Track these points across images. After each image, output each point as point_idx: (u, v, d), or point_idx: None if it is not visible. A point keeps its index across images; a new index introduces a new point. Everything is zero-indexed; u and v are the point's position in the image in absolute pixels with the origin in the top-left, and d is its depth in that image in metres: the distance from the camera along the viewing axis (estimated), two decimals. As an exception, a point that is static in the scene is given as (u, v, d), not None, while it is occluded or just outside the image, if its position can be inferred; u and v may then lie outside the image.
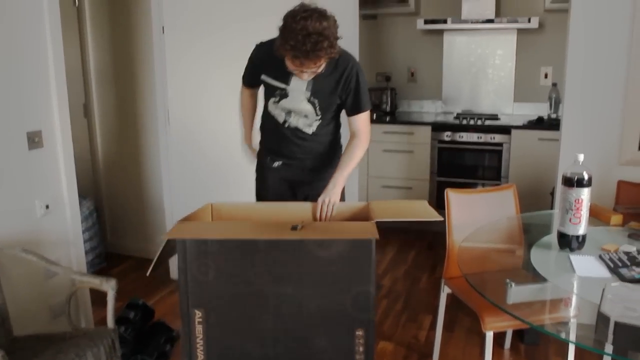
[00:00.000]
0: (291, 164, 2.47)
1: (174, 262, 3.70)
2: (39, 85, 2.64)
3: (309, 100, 2.30)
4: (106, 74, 4.12)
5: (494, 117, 4.75)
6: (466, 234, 2.28)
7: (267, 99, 2.39)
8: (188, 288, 1.81)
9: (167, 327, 2.88)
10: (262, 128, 2.54)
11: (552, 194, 3.56)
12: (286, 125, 2.38)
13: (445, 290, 2.59)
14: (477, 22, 4.63)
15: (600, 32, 2.89)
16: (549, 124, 4.36)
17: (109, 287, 2.21)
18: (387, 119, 4.91)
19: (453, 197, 2.58)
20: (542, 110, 4.70)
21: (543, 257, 2.03)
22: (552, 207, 3.45)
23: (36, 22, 2.60)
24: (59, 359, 2.00)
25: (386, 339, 3.04)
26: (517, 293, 1.77)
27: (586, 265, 1.90)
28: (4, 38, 2.46)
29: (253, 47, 2.37)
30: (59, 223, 2.80)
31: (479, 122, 4.55)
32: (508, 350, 2.90)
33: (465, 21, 4.67)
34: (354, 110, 2.34)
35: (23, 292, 2.56)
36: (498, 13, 4.72)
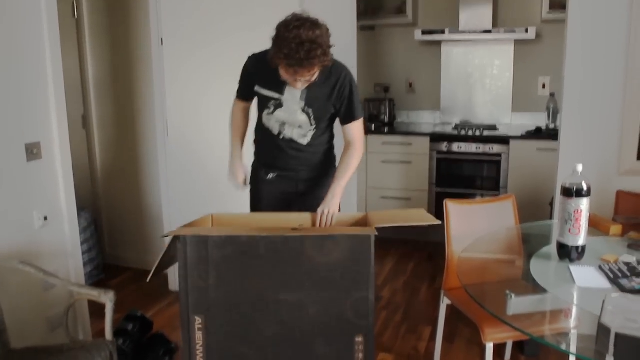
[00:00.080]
0: (286, 176, 2.48)
1: (172, 273, 3.71)
2: (38, 96, 2.64)
3: (303, 110, 2.30)
4: (105, 86, 4.13)
5: (493, 127, 4.76)
6: (465, 244, 2.28)
7: (260, 111, 2.39)
8: (188, 294, 1.80)
9: (166, 339, 2.86)
10: (256, 141, 2.54)
11: (551, 204, 3.56)
12: (281, 136, 2.38)
13: (444, 302, 2.58)
14: (474, 32, 4.65)
15: (598, 42, 2.90)
16: (548, 134, 4.36)
17: (107, 299, 2.20)
18: (386, 129, 4.92)
19: (452, 207, 2.58)
20: (540, 120, 4.71)
21: (543, 268, 2.02)
22: (551, 218, 3.45)
23: (35, 33, 2.61)
24: (57, 372, 1.98)
25: (386, 350, 3.02)
26: (517, 304, 1.76)
27: (586, 276, 1.89)
28: (2, 49, 2.46)
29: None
30: (57, 234, 2.79)
31: (478, 133, 4.56)
32: (508, 361, 2.89)
33: (463, 32, 4.69)
34: (348, 119, 2.36)
35: (21, 304, 2.55)
36: (495, 24, 4.75)
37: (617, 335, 1.35)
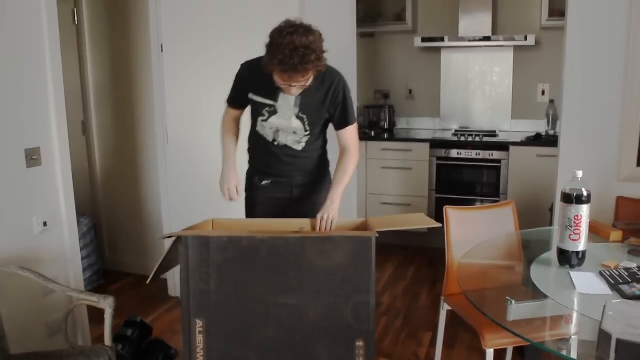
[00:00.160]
0: (280, 182, 2.48)
1: (172, 279, 3.70)
2: (38, 102, 2.65)
3: (297, 116, 2.31)
4: (105, 92, 4.14)
5: (492, 134, 4.76)
6: (465, 250, 2.27)
7: (254, 119, 2.40)
8: (190, 297, 1.80)
9: (166, 345, 2.86)
10: (250, 149, 2.55)
11: (551, 210, 3.56)
12: (275, 143, 2.39)
13: (445, 307, 2.58)
14: (474, 39, 4.66)
15: (597, 49, 2.91)
16: (547, 141, 4.37)
17: (107, 304, 2.19)
18: (386, 136, 4.93)
19: (452, 214, 2.58)
20: (539, 126, 4.72)
21: (543, 274, 2.02)
22: (551, 224, 3.44)
23: (36, 40, 2.62)
24: (56, 378, 1.98)
25: (386, 356, 3.02)
26: (517, 310, 1.76)
27: (586, 281, 1.89)
28: (3, 56, 2.47)
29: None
30: (56, 240, 2.79)
31: (477, 139, 4.56)
32: (508, 368, 2.88)
33: (463, 39, 4.71)
34: (342, 124, 2.37)
35: (20, 309, 2.55)
36: (495, 31, 4.76)
37: (618, 341, 1.35)
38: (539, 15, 4.59)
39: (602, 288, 1.83)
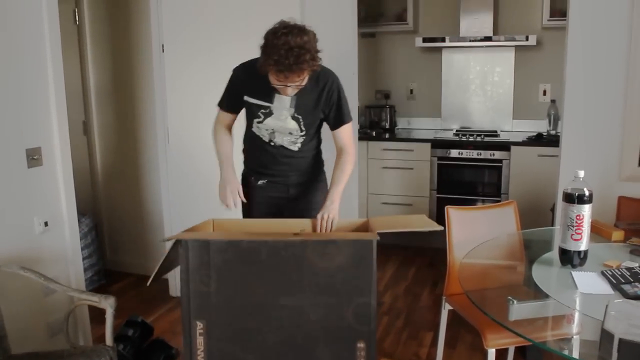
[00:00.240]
0: (276, 182, 2.49)
1: (173, 279, 3.70)
2: (39, 102, 2.65)
3: (293, 117, 2.32)
4: (106, 92, 4.14)
5: (494, 133, 4.76)
6: (467, 250, 2.27)
7: (250, 121, 2.40)
8: (190, 300, 1.80)
9: (167, 345, 2.86)
10: (245, 150, 2.55)
11: (553, 210, 3.55)
12: (272, 144, 2.40)
13: (446, 307, 2.58)
14: (475, 39, 4.66)
15: (598, 49, 2.91)
16: (548, 141, 4.37)
17: (108, 304, 2.19)
18: (387, 136, 4.92)
19: (453, 214, 2.58)
20: (541, 126, 4.72)
21: (545, 274, 2.02)
22: (552, 224, 3.44)
23: (37, 39, 2.62)
24: (57, 378, 1.97)
25: (387, 356, 3.01)
26: (519, 310, 1.75)
27: (588, 281, 1.88)
28: (4, 55, 2.47)
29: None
30: (57, 240, 2.79)
31: (479, 139, 4.56)
32: (510, 368, 2.88)
33: (464, 39, 4.70)
34: (337, 123, 2.38)
35: (21, 309, 2.54)
36: (496, 31, 4.75)
37: (621, 341, 1.35)
38: (540, 16, 4.59)
39: (604, 288, 1.83)
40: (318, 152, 2.54)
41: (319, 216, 2.20)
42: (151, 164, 4.01)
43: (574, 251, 1.97)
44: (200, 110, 3.46)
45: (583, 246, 1.96)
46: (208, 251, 1.80)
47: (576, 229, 1.94)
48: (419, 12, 5.05)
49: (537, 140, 4.43)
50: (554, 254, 2.11)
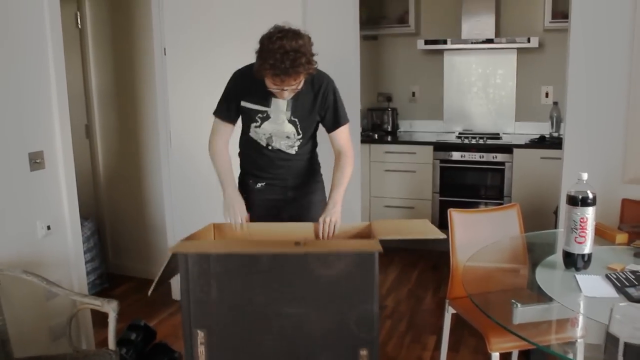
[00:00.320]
0: (274, 184, 2.50)
1: (175, 283, 3.69)
2: (41, 106, 2.65)
3: (289, 120, 2.33)
4: (108, 95, 4.14)
5: (496, 136, 4.76)
6: (470, 253, 2.26)
7: (247, 125, 2.40)
8: (190, 308, 1.79)
9: (169, 349, 2.85)
10: (241, 153, 2.55)
11: (556, 213, 3.54)
12: (269, 147, 2.41)
13: (449, 311, 2.57)
14: (477, 42, 4.66)
15: (601, 50, 2.90)
16: (551, 143, 4.36)
17: (110, 308, 2.19)
18: (389, 139, 4.92)
19: (456, 217, 2.57)
20: (543, 129, 4.71)
21: (548, 277, 2.01)
22: (555, 227, 3.43)
23: (39, 43, 2.62)
24: (60, 382, 1.97)
25: (390, 359, 3.01)
26: (523, 313, 1.75)
27: (592, 284, 1.88)
28: (6, 59, 2.47)
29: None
30: (60, 244, 2.79)
31: (481, 142, 4.56)
32: (514, 371, 2.87)
33: (465, 41, 4.70)
34: (334, 125, 2.38)
35: (24, 313, 2.54)
36: (498, 33, 4.75)
37: (626, 345, 1.34)
38: (542, 17, 4.59)
39: (608, 291, 1.82)
40: (314, 155, 2.56)
41: (321, 220, 2.19)
42: (153, 167, 4.01)
43: (578, 254, 1.96)
44: (203, 113, 3.45)
45: (587, 249, 1.96)
46: (208, 261, 1.78)
47: (580, 232, 1.93)
48: (420, 15, 5.06)
49: (540, 142, 4.43)
50: (558, 257, 2.10)
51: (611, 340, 1.39)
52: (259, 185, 2.50)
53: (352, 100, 3.80)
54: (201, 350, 1.81)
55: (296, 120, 2.33)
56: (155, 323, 3.41)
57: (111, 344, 2.22)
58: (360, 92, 3.93)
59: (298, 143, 2.40)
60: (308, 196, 2.51)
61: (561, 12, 4.36)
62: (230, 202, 2.30)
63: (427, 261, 4.51)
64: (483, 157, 4.47)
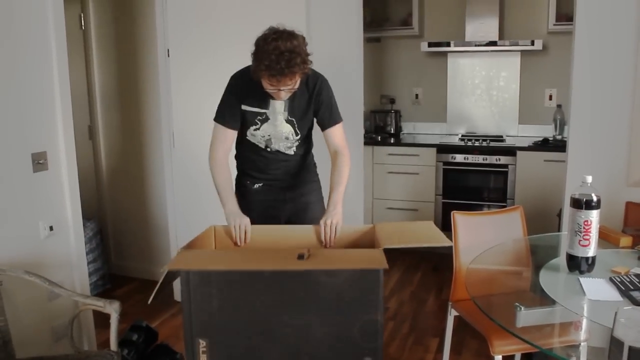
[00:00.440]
0: (273, 185, 2.50)
1: (177, 284, 3.69)
2: (45, 106, 2.65)
3: (287, 121, 2.34)
4: (111, 97, 4.14)
5: (499, 138, 4.75)
6: (473, 256, 2.25)
7: (245, 129, 2.40)
8: (192, 317, 1.77)
9: (171, 350, 2.85)
10: (239, 155, 2.55)
11: (559, 215, 3.54)
12: (268, 149, 2.42)
13: (452, 313, 2.56)
14: (480, 44, 4.65)
15: (605, 53, 2.89)
16: (554, 146, 4.35)
17: (113, 309, 2.19)
18: (392, 141, 4.92)
19: (460, 219, 2.57)
20: (547, 131, 4.70)
21: (552, 280, 2.00)
22: (559, 229, 3.42)
23: (42, 44, 2.62)
24: (61, 383, 1.97)
25: (392, 362, 3.00)
26: (526, 316, 1.74)
27: (596, 287, 1.87)
28: (10, 60, 2.47)
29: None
30: (62, 245, 2.79)
31: (484, 144, 4.55)
32: (516, 374, 2.86)
33: (469, 43, 4.70)
34: (329, 122, 2.38)
35: (26, 314, 2.54)
36: (501, 35, 4.75)
37: (631, 349, 1.33)
38: (545, 20, 4.58)
39: (613, 294, 1.81)
40: (311, 155, 2.58)
41: (322, 223, 2.18)
42: (156, 168, 4.01)
43: (582, 257, 1.95)
44: (206, 114, 3.44)
45: (591, 252, 1.95)
46: (209, 272, 1.77)
47: (584, 235, 1.92)
48: (424, 17, 5.05)
49: (543, 145, 4.42)
50: (561, 260, 2.09)
51: (616, 344, 1.38)
52: (256, 186, 2.51)
53: (355, 102, 3.80)
54: (203, 358, 1.79)
55: (293, 120, 2.35)
56: (157, 324, 3.40)
57: (113, 344, 2.22)
58: (364, 94, 3.93)
59: (297, 144, 2.42)
60: (305, 196, 2.53)
61: (565, 15, 4.36)
62: (232, 216, 2.23)
63: (430, 263, 4.50)
64: (486, 159, 4.47)
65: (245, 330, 1.79)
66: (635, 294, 1.78)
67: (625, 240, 2.30)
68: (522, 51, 4.75)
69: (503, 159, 4.42)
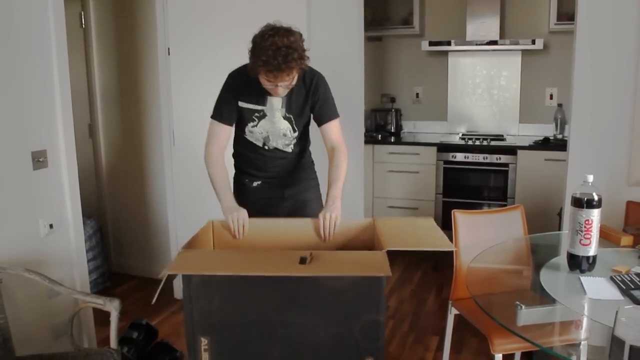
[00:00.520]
0: (271, 182, 2.51)
1: (178, 281, 3.68)
2: (45, 104, 2.65)
3: (285, 117, 2.35)
4: (111, 95, 4.14)
5: (500, 137, 4.74)
6: (473, 255, 2.25)
7: (243, 126, 2.40)
8: (193, 315, 1.77)
9: (171, 348, 2.85)
10: (236, 154, 2.55)
11: (560, 215, 3.53)
12: (265, 147, 2.42)
13: (452, 312, 2.56)
14: (481, 43, 4.65)
15: (607, 52, 2.89)
16: (555, 145, 4.35)
17: (112, 307, 2.18)
18: (392, 139, 4.92)
19: (460, 218, 2.57)
20: (547, 131, 4.70)
21: (553, 279, 2.00)
22: (559, 229, 3.42)
23: (43, 43, 2.62)
24: (61, 381, 1.97)
25: (392, 361, 3.00)
26: (527, 315, 1.74)
27: (597, 286, 1.87)
28: (10, 58, 2.47)
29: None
30: (62, 243, 2.79)
31: (485, 143, 4.55)
32: (516, 373, 2.86)
33: (470, 43, 4.69)
34: (326, 117, 2.38)
35: (26, 311, 2.54)
36: (502, 35, 4.74)
37: (632, 348, 1.33)
38: (546, 19, 4.58)
39: (613, 293, 1.81)
40: (309, 152, 2.59)
41: (321, 216, 2.17)
42: (156, 166, 4.01)
43: (583, 256, 1.95)
44: (206, 112, 3.43)
45: (592, 251, 1.95)
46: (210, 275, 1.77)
47: (585, 234, 1.92)
48: (425, 16, 5.05)
49: (544, 144, 4.42)
50: (562, 259, 2.09)
51: (617, 343, 1.37)
52: (255, 184, 2.52)
53: (356, 101, 3.80)
54: (205, 356, 1.79)
55: (291, 116, 2.36)
56: (157, 322, 3.40)
57: (113, 342, 2.21)
58: (364, 93, 3.93)
59: (294, 141, 2.42)
60: (303, 194, 2.54)
61: (566, 14, 4.35)
62: (229, 210, 2.22)
63: (430, 262, 4.50)
64: (487, 158, 4.46)
65: (247, 328, 1.79)
66: (636, 292, 1.78)
67: (626, 240, 2.29)
68: (522, 50, 4.75)
69: (504, 158, 4.42)
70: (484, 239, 2.38)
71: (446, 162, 4.58)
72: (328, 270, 1.76)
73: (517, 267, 2.40)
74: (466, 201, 4.53)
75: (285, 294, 1.77)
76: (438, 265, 4.43)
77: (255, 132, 2.38)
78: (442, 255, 4.37)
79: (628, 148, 2.92)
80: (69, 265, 2.82)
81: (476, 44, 4.67)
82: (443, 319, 2.97)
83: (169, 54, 3.47)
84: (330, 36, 3.49)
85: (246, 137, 2.42)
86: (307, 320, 1.77)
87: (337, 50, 3.56)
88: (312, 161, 2.63)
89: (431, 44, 4.79)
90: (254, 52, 2.11)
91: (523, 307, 1.73)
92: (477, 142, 4.58)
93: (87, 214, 3.53)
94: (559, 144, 4.30)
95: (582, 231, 1.92)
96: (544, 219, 3.99)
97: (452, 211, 2.57)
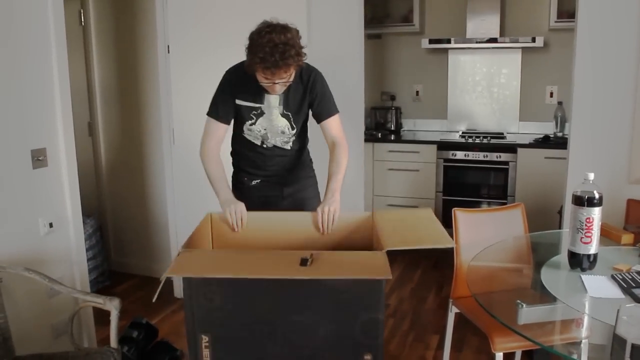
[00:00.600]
0: (270, 180, 2.51)
1: (178, 280, 3.69)
2: (44, 103, 2.64)
3: (282, 115, 2.34)
4: (111, 93, 4.13)
5: (500, 135, 4.74)
6: (474, 253, 2.25)
7: (241, 124, 2.39)
8: (194, 313, 1.77)
9: (171, 347, 2.84)
10: (235, 152, 2.54)
11: (560, 213, 3.53)
12: (264, 145, 2.42)
13: (453, 310, 2.56)
14: (481, 41, 4.64)
15: (607, 50, 2.88)
16: (555, 143, 4.34)
17: (112, 306, 2.18)
18: (392, 137, 4.91)
19: (461, 216, 2.56)
20: (547, 128, 4.69)
21: (554, 277, 2.00)
22: (560, 227, 3.42)
23: (42, 41, 2.61)
24: (61, 380, 1.96)
25: (393, 358, 2.99)
26: (528, 314, 1.73)
27: (598, 285, 1.86)
28: (10, 56, 2.46)
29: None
30: (62, 241, 2.78)
31: (485, 141, 4.55)
32: (517, 371, 2.85)
33: (470, 40, 4.69)
34: (326, 113, 2.37)
35: (25, 311, 2.54)
36: (502, 32, 4.73)
37: (633, 346, 1.33)
38: (547, 17, 4.57)
39: (614, 292, 1.81)
40: (307, 150, 2.58)
41: (319, 210, 2.17)
42: (156, 164, 4.00)
43: (584, 254, 1.95)
44: (205, 111, 3.45)
45: (593, 249, 1.94)
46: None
47: (586, 232, 1.92)
48: (425, 14, 5.04)
49: (544, 142, 4.41)
50: (562, 257, 2.09)
51: (618, 341, 1.37)
52: (254, 182, 2.52)
53: (356, 99, 3.80)
54: (206, 353, 1.79)
55: (289, 114, 2.35)
56: (157, 321, 3.40)
57: (113, 341, 2.21)
58: (364, 91, 3.92)
59: (293, 138, 2.42)
60: (302, 192, 2.54)
61: (566, 12, 4.34)
62: (227, 203, 2.23)
63: (430, 260, 4.50)
64: (487, 156, 4.46)
65: (248, 326, 1.79)
66: (637, 291, 1.77)
67: (627, 238, 2.29)
68: (523, 48, 4.74)
69: (504, 156, 4.41)
70: (484, 237, 2.38)
71: (446, 160, 4.58)
72: (329, 273, 1.76)
73: (517, 265, 2.39)
74: (466, 199, 4.53)
75: (286, 293, 1.77)
76: (438, 264, 4.43)
77: (254, 130, 2.38)
78: (442, 254, 4.37)
79: (629, 146, 2.91)
80: (68, 264, 2.82)
81: (476, 42, 4.66)
82: (443, 318, 2.96)
83: (168, 52, 3.47)
84: (330, 34, 3.49)
85: (245, 135, 2.42)
86: (307, 319, 1.77)
87: (337, 48, 3.56)
88: (311, 159, 2.62)
89: (431, 41, 4.78)
90: (251, 49, 2.11)
91: (524, 305, 1.73)
92: (477, 140, 4.57)
93: (86, 213, 3.52)
94: (559, 142, 4.30)
95: (582, 229, 1.92)
96: (544, 217, 3.98)
97: (453, 209, 2.57)
